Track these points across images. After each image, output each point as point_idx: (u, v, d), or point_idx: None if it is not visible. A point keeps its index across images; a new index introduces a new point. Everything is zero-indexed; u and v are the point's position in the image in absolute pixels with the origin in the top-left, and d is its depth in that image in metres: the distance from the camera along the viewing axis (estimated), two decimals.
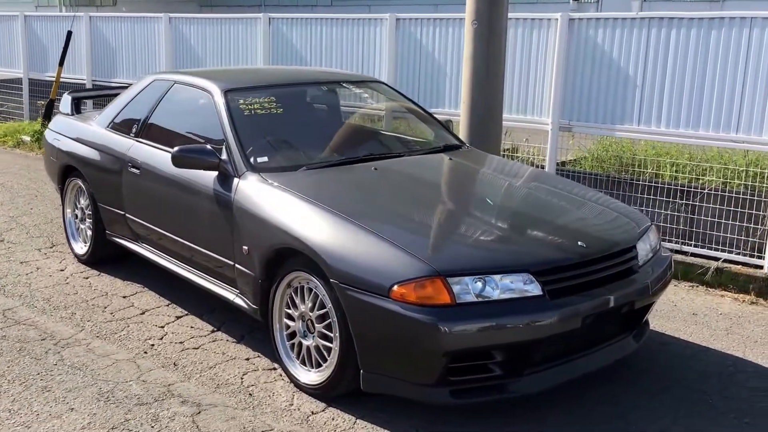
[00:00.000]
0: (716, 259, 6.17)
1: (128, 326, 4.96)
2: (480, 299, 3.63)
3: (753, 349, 4.75)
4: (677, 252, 6.42)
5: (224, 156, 4.63)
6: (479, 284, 3.64)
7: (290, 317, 4.22)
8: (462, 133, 6.89)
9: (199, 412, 3.92)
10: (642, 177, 6.93)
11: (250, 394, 4.12)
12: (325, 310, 3.95)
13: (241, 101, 4.94)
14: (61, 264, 6.11)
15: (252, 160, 4.59)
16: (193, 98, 5.17)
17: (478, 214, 4.24)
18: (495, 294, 3.66)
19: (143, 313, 5.17)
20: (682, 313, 5.33)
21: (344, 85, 5.70)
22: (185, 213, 4.92)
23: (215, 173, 4.64)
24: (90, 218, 5.94)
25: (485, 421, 3.90)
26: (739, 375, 4.42)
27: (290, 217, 4.15)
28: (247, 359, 4.53)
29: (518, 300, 3.68)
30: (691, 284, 5.91)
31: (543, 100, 7.27)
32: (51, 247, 6.50)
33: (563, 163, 7.48)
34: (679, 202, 6.62)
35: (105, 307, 5.25)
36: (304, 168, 4.62)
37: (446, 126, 5.62)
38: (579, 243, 3.96)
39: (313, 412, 3.96)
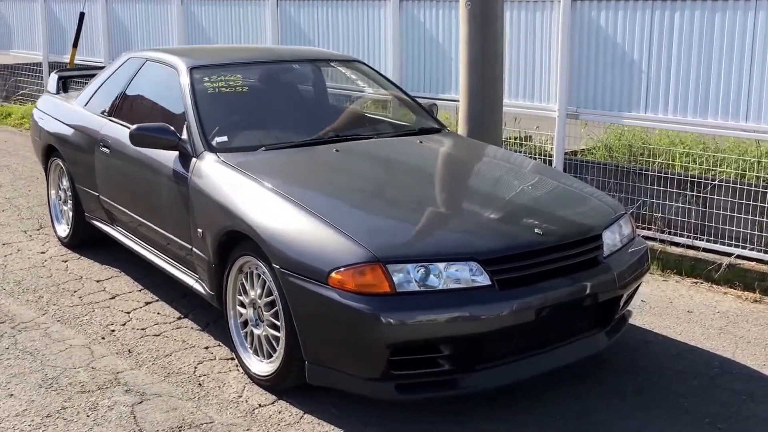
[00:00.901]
0: (729, 254, 5.83)
1: (93, 311, 4.81)
2: (423, 289, 3.39)
3: (744, 350, 4.43)
4: (688, 247, 6.09)
5: (185, 135, 4.45)
6: (422, 273, 3.40)
7: (243, 304, 4.03)
8: (461, 120, 6.63)
9: (141, 402, 3.75)
10: (652, 167, 6.60)
11: (199, 384, 3.95)
12: (272, 298, 3.75)
13: (207, 79, 4.76)
14: (44, 246, 6.00)
15: (211, 139, 4.41)
16: (163, 76, 5.00)
17: (432, 199, 3.99)
18: (439, 283, 3.42)
19: (113, 298, 5.03)
20: (676, 310, 5.02)
21: (321, 64, 5.47)
22: (149, 195, 4.76)
23: (176, 153, 4.47)
24: (71, 200, 5.82)
25: (439, 418, 3.66)
26: (723, 377, 4.12)
27: (239, 199, 3.96)
28: (206, 348, 4.35)
29: (464, 290, 3.44)
30: (695, 280, 5.58)
31: (550, 86, 6.95)
32: (38, 230, 6.41)
33: (573, 153, 7.17)
34: (690, 194, 6.27)
35: (75, 291, 5.12)
36: (263, 148, 4.42)
37: (427, 109, 5.37)
38: (536, 230, 3.69)
39: (260, 405, 3.77)
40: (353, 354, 3.46)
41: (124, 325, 4.63)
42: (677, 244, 6.14)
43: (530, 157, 7.08)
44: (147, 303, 4.96)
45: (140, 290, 5.16)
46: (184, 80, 4.72)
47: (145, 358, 4.21)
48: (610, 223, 4.02)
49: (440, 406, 3.76)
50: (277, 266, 3.61)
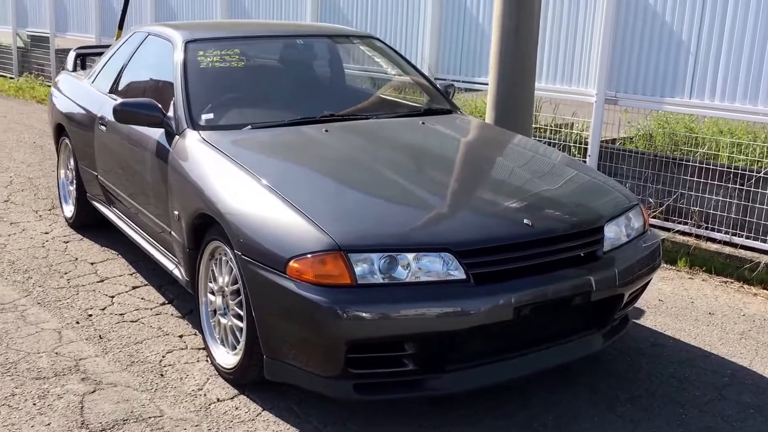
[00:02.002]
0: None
1: (77, 294, 4.63)
2: (388, 281, 3.06)
3: (764, 358, 3.97)
4: (725, 243, 5.59)
5: (171, 112, 4.21)
6: (388, 263, 3.07)
7: (213, 292, 3.76)
8: (489, 103, 6.23)
9: (94, 391, 3.53)
10: (693, 157, 6.09)
11: (161, 375, 3.70)
12: (238, 286, 3.48)
13: (201, 53, 4.50)
14: (50, 227, 5.87)
15: (196, 116, 4.15)
16: (161, 50, 4.76)
17: (415, 183, 3.62)
18: (406, 275, 3.08)
19: (101, 281, 4.84)
20: (696, 312, 4.56)
21: (332, 40, 5.15)
22: (136, 174, 4.55)
23: (162, 131, 4.23)
24: (75, 180, 5.68)
25: (410, 420, 3.33)
26: (732, 387, 3.67)
27: (211, 180, 3.70)
28: (180, 337, 4.11)
29: (435, 284, 3.09)
30: (724, 280, 5.09)
31: (590, 68, 6.49)
32: (50, 210, 6.29)
33: (612, 141, 6.69)
34: (732, 186, 5.76)
35: (65, 273, 4.95)
36: (249, 127, 4.14)
37: (441, 90, 5.00)
38: (525, 221, 3.31)
39: (218, 400, 3.50)
40: (310, 350, 3.15)
41: (103, 309, 4.42)
42: (713, 240, 5.65)
43: (561, 145, 6.66)
44: (134, 287, 4.75)
45: (131, 274, 4.96)
46: (178, 54, 4.48)
47: (114, 345, 3.99)
48: (614, 215, 3.61)
49: (414, 407, 3.43)
50: (238, 252, 3.34)
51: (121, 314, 4.36)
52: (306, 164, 3.84)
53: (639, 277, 3.60)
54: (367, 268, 3.05)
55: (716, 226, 5.75)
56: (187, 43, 4.52)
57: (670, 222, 6.03)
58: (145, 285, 4.78)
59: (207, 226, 3.71)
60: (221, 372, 3.66)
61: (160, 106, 4.19)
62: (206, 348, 3.82)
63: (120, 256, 5.27)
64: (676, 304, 4.67)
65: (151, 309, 4.44)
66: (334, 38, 5.20)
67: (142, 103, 4.20)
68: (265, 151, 3.95)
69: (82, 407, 3.39)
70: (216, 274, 3.69)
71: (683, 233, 5.89)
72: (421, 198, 3.45)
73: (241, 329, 3.48)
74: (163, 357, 3.88)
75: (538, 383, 3.59)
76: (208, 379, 3.68)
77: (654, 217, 6.07)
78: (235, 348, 3.58)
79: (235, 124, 4.16)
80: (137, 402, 3.45)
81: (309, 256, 3.05)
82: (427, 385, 3.20)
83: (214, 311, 3.75)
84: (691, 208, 5.91)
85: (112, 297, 4.60)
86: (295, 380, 3.27)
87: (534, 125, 7.03)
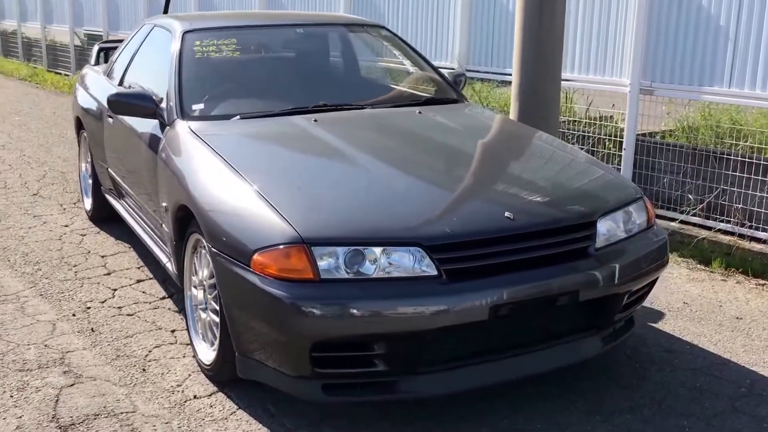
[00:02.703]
0: None
1: (81, 287, 4.60)
2: (354, 276, 2.90)
3: None
4: (765, 242, 5.26)
5: (164, 102, 4.15)
6: (354, 258, 2.91)
7: (196, 286, 3.67)
8: (513, 95, 6.02)
9: (73, 385, 3.47)
10: (735, 151, 5.75)
11: (143, 370, 3.63)
12: (214, 280, 3.37)
13: (198, 43, 4.43)
14: (70, 220, 5.89)
15: (187, 106, 4.07)
16: (163, 41, 4.71)
17: (393, 174, 3.44)
18: (374, 271, 2.92)
19: (108, 274, 4.81)
20: (722, 316, 4.27)
21: (336, 29, 5.00)
22: (135, 166, 4.49)
23: (156, 122, 4.17)
24: (92, 173, 5.68)
25: (388, 427, 3.17)
26: (749, 399, 3.40)
27: (192, 170, 3.61)
28: (173, 331, 4.03)
29: (404, 280, 2.92)
30: (761, 282, 4.77)
31: (624, 56, 6.20)
32: (74, 204, 6.32)
33: (650, 134, 6.38)
34: None
35: (74, 266, 4.93)
36: (237, 117, 4.03)
37: (449, 80, 4.81)
38: (506, 214, 3.10)
39: (195, 397, 3.40)
40: (277, 348, 3.02)
41: (103, 302, 4.38)
42: (758, 240, 5.32)
43: (596, 138, 6.39)
44: (138, 281, 4.70)
45: (139, 267, 4.92)
46: (175, 44, 4.42)
47: (103, 339, 3.93)
48: (610, 210, 3.37)
49: (393, 410, 3.27)
50: (209, 244, 3.24)
51: (119, 307, 4.31)
52: (286, 155, 3.72)
53: (639, 276, 3.36)
54: (332, 262, 2.90)
55: (761, 225, 5.41)
56: (184, 33, 4.45)
57: (710, 220, 5.71)
58: (150, 279, 4.73)
59: (189, 218, 3.61)
60: (202, 368, 3.56)
61: (153, 97, 4.13)
62: (191, 343, 3.73)
63: (131, 249, 5.24)
64: (702, 308, 4.38)
65: (150, 303, 4.38)
66: (339, 27, 5.05)
67: (135, 94, 4.15)
68: (248, 142, 3.85)
69: (57, 401, 3.33)
70: (197, 268, 3.60)
71: (724, 232, 5.57)
72: (397, 190, 3.28)
73: (218, 324, 3.37)
74: (149, 352, 3.81)
75: (534, 389, 3.38)
76: (189, 375, 3.58)
77: (693, 215, 5.76)
78: (213, 344, 3.47)
79: (224, 115, 4.06)
80: (113, 397, 3.37)
81: (272, 249, 2.92)
82: (400, 387, 3.03)
83: (198, 306, 3.66)
84: (733, 205, 5.58)
85: (115, 290, 4.56)
86: (266, 379, 3.15)
87: (566, 117, 6.79)
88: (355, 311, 2.86)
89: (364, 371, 3.00)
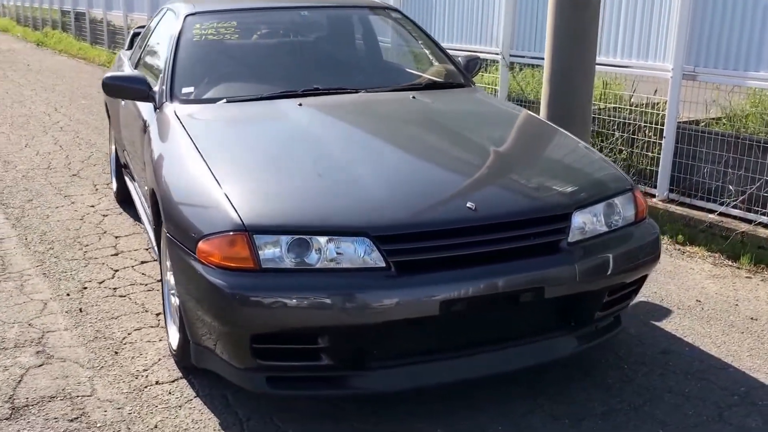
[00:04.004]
0: None
1: (86, 266, 4.65)
2: (297, 266, 2.79)
3: None
4: None
5: (157, 85, 4.13)
6: (298, 247, 2.80)
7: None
8: (545, 79, 5.78)
9: (41, 365, 3.48)
10: None
11: (115, 353, 3.62)
12: None
13: (198, 26, 4.38)
14: (98, 201, 5.97)
15: (177, 89, 4.03)
16: (171, 24, 4.68)
17: (356, 161, 3.28)
18: (318, 261, 2.80)
19: (115, 255, 4.84)
20: (736, 316, 3.97)
21: (343, 11, 4.86)
22: (137, 148, 4.49)
23: (150, 105, 4.15)
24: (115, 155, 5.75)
25: (342, 422, 3.07)
26: (740, 408, 3.13)
27: (163, 154, 3.57)
28: (158, 314, 4.01)
29: (349, 271, 2.79)
30: None
31: (667, 40, 5.85)
32: (107, 184, 6.41)
33: (695, 123, 6.02)
34: None
35: (85, 246, 4.99)
36: (223, 101, 3.97)
37: (457, 64, 4.62)
38: (467, 204, 2.93)
39: (157, 382, 3.37)
40: (222, 339, 2.94)
41: (101, 283, 4.41)
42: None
43: (636, 126, 6.07)
44: (142, 262, 4.72)
45: (147, 249, 4.94)
46: (176, 27, 4.39)
47: (88, 319, 3.94)
48: (590, 202, 3.15)
49: (349, 406, 3.15)
50: (164, 229, 3.19)
51: (114, 288, 4.33)
52: (256, 140, 3.63)
53: (618, 273, 3.13)
54: (276, 251, 2.80)
55: None
56: (186, 16, 4.42)
57: (752, 213, 5.36)
58: (154, 261, 4.73)
59: None
60: (171, 353, 3.53)
61: (148, 79, 4.11)
62: (166, 328, 3.71)
63: (146, 231, 5.26)
64: (716, 307, 4.10)
65: (146, 285, 4.38)
66: (347, 10, 4.91)
67: (128, 77, 4.14)
68: (223, 126, 3.77)
69: (20, 381, 3.35)
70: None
71: (765, 225, 5.22)
72: (355, 176, 3.13)
73: (178, 310, 3.32)
74: (128, 334, 3.80)
75: (505, 388, 3.21)
76: (159, 359, 3.55)
77: (734, 207, 5.42)
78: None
79: (211, 98, 4.00)
80: (75, 379, 3.37)
81: (216, 236, 2.84)
82: (349, 383, 2.91)
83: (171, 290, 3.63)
84: None
85: (116, 271, 4.58)
86: (216, 368, 3.08)
87: (604, 104, 6.49)
88: (295, 303, 2.75)
89: (310, 365, 2.89)
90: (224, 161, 3.27)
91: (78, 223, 5.44)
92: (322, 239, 2.81)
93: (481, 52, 7.70)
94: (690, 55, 5.69)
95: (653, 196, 5.93)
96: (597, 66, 6.29)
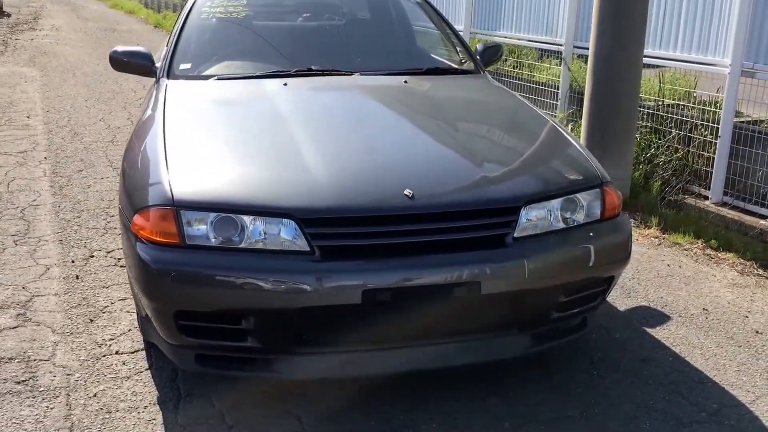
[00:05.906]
0: None
1: (103, 236, 4.77)
2: (221, 245, 2.76)
3: None
4: None
5: (159, 61, 4.19)
6: (223, 225, 2.77)
7: None
8: (588, 70, 5.56)
9: (16, 327, 3.60)
10: None
11: (91, 320, 3.70)
12: None
13: (208, 4, 4.42)
14: None
15: (175, 66, 4.07)
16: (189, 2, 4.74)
17: (309, 144, 3.15)
18: (242, 241, 2.76)
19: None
20: (741, 329, 3.67)
21: None
22: None
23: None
24: None
25: (280, 409, 3.03)
26: (704, 426, 2.89)
27: (139, 129, 3.60)
28: None
29: (272, 253, 2.74)
30: None
31: (727, 34, 5.47)
32: None
33: (755, 123, 5.63)
34: None
35: (111, 216, 5.12)
36: (215, 78, 3.97)
37: (470, 50, 4.46)
38: (405, 191, 2.81)
39: (117, 352, 3.42)
40: (151, 313, 2.94)
41: (109, 252, 4.52)
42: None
43: (692, 124, 5.72)
44: None
45: None
46: (188, 5, 4.45)
47: (79, 287, 4.05)
48: (545, 196, 2.97)
49: (284, 390, 3.11)
50: (120, 205, 3.22)
51: (118, 258, 4.43)
52: (222, 118, 3.59)
53: (575, 273, 2.95)
54: (202, 228, 2.78)
55: None
56: None
57: None
58: None
59: None
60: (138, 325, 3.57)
61: (151, 54, 4.17)
62: None
63: None
64: (722, 317, 3.81)
65: None
66: None
67: (132, 51, 4.20)
68: (199, 103, 3.75)
69: None
70: None
71: None
72: (296, 158, 3.05)
73: None
74: (111, 303, 3.87)
75: (460, 384, 3.10)
76: (129, 330, 3.61)
77: None
78: None
79: (205, 75, 4.02)
80: (40, 344, 3.46)
81: (147, 210, 2.84)
82: (274, 366, 2.86)
83: None
84: None
85: None
86: (157, 342, 3.09)
87: (657, 99, 6.16)
88: (216, 282, 2.73)
89: (236, 345, 2.85)
90: (182, 138, 3.26)
91: (114, 194, 5.60)
92: (247, 218, 2.76)
93: (545, 43, 7.47)
94: (750, 51, 5.31)
95: (707, 198, 5.59)
96: (653, 59, 5.99)
